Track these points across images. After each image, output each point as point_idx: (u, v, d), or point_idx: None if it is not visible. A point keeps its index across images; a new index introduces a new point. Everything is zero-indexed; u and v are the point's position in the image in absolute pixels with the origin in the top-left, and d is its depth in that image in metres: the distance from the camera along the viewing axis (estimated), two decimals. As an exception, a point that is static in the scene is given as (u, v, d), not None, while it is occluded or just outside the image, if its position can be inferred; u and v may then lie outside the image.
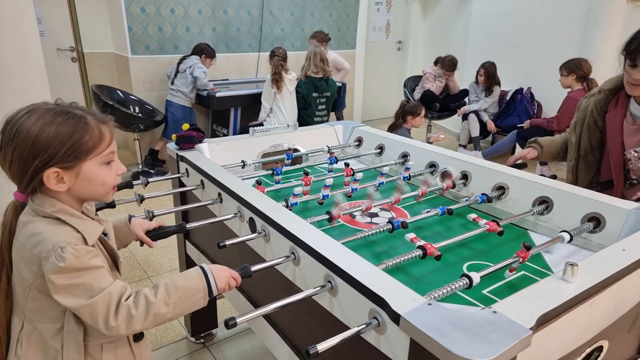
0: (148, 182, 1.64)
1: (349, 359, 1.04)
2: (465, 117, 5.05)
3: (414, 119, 3.32)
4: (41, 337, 0.99)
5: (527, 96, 4.83)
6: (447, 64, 5.07)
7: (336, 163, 1.98)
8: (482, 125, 4.93)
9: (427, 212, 1.45)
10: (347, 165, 1.80)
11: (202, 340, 2.18)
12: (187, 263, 2.03)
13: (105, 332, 0.91)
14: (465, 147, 5.08)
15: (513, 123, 4.71)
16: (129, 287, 0.97)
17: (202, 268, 1.01)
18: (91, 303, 0.89)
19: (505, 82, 5.12)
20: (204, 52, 4.35)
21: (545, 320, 0.84)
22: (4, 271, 0.99)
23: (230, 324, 0.92)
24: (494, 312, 0.83)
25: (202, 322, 2.18)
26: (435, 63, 5.28)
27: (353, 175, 1.72)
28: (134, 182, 1.57)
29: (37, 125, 0.89)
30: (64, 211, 0.94)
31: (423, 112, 3.37)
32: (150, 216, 1.34)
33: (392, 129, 3.41)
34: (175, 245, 3.05)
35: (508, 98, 4.99)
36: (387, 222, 1.33)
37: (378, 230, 1.31)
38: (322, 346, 0.85)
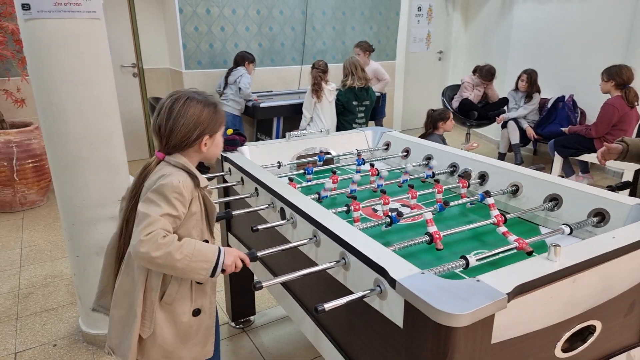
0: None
1: (360, 324, 1.21)
2: (504, 124, 5.05)
3: (445, 124, 3.42)
4: (133, 264, 1.28)
5: (569, 103, 4.76)
6: (485, 74, 5.11)
7: (363, 164, 2.16)
8: (522, 132, 4.91)
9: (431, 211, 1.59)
10: (372, 165, 1.97)
11: (241, 326, 2.40)
12: (229, 254, 2.26)
13: (134, 240, 1.14)
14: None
15: (554, 131, 4.66)
16: (174, 235, 1.18)
17: (219, 248, 1.23)
18: (149, 215, 1.15)
19: (546, 89, 5.08)
20: (246, 59, 4.67)
21: (524, 289, 0.97)
22: (133, 202, 1.29)
23: (257, 286, 1.11)
24: (477, 280, 0.97)
25: (241, 309, 2.40)
26: (474, 72, 5.33)
27: (378, 174, 1.89)
28: None
29: (198, 107, 1.27)
30: (189, 164, 1.28)
31: (451, 116, 3.46)
32: None
33: (424, 137, 3.51)
34: (218, 240, 3.34)
35: (549, 106, 4.94)
36: (386, 217, 1.48)
37: (377, 223, 1.46)
38: (328, 305, 1.02)
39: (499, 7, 6.03)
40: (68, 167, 1.99)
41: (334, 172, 1.82)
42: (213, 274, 1.20)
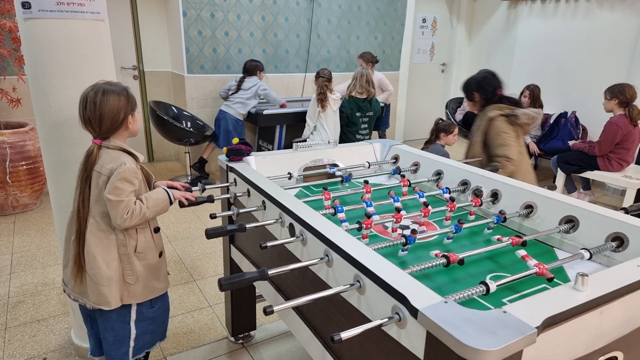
0: (205, 188, 1.86)
1: (374, 351, 1.15)
2: (507, 139, 5.02)
3: (446, 137, 3.46)
4: (99, 225, 1.60)
5: (572, 120, 4.76)
6: None
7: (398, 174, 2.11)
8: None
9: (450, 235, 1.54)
10: (403, 176, 1.99)
11: (241, 341, 2.33)
12: (232, 266, 2.20)
13: (119, 220, 1.54)
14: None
15: (556, 147, 4.65)
16: (136, 200, 1.59)
17: (163, 188, 1.69)
18: (120, 200, 1.53)
19: (549, 105, 5.08)
20: (258, 68, 4.66)
21: (552, 322, 0.92)
22: (87, 184, 1.58)
23: (267, 310, 1.05)
24: (504, 312, 0.92)
25: (241, 323, 2.34)
26: None
27: (410, 185, 1.88)
28: (193, 188, 1.83)
29: (115, 95, 1.56)
30: (123, 145, 1.62)
31: (456, 131, 3.49)
32: (202, 188, 1.86)
33: (427, 144, 3.55)
34: (219, 253, 3.28)
35: (551, 121, 4.93)
36: (402, 236, 1.42)
37: (393, 243, 1.40)
38: (345, 334, 0.97)
39: (504, 21, 6.04)
40: (65, 172, 1.93)
41: (367, 182, 1.82)
42: (171, 202, 1.68)
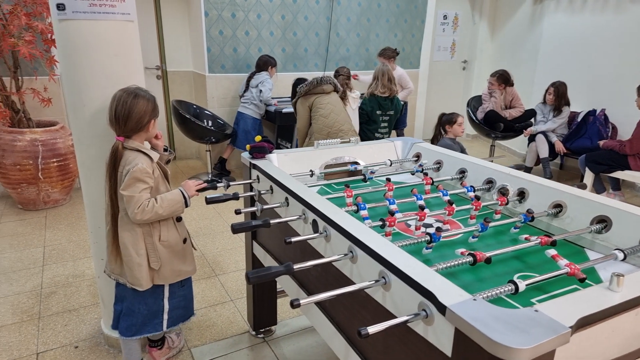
0: (229, 185, 1.88)
1: (398, 348, 1.14)
2: (532, 138, 4.93)
3: (452, 127, 3.36)
4: (127, 219, 1.77)
5: (601, 118, 4.63)
6: (497, 78, 5.00)
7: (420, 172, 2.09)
8: (551, 146, 4.78)
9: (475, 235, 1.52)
10: (425, 174, 1.97)
11: (262, 335, 2.35)
12: (254, 262, 2.21)
13: (131, 215, 1.71)
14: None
15: (584, 145, 4.53)
16: (152, 199, 1.74)
17: (179, 190, 1.82)
18: (132, 196, 1.69)
19: (576, 103, 4.95)
20: (269, 63, 4.68)
21: (586, 322, 0.90)
22: (113, 180, 1.76)
23: (295, 304, 1.05)
24: (536, 310, 0.90)
25: (263, 318, 2.35)
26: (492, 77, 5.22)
27: (432, 183, 1.85)
28: (218, 185, 1.87)
29: (144, 101, 1.74)
30: (140, 146, 1.77)
31: (460, 119, 3.38)
32: (227, 185, 1.90)
33: (433, 142, 3.45)
34: (240, 249, 3.31)
35: (579, 119, 4.81)
36: (426, 234, 1.40)
37: (417, 241, 1.39)
38: (372, 329, 0.96)
39: (529, 17, 5.92)
40: (96, 168, 1.97)
41: (389, 180, 1.82)
42: (187, 205, 1.83)
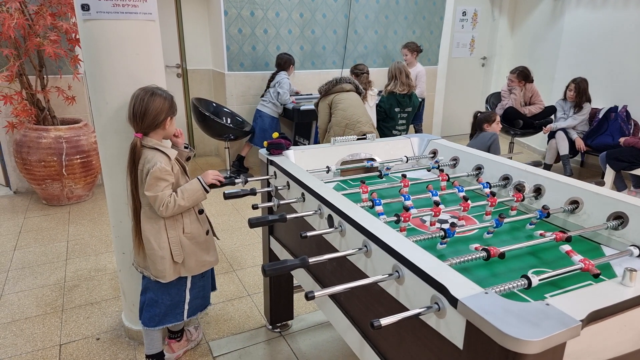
0: (247, 181, 1.93)
1: (411, 340, 1.16)
2: (552, 135, 4.85)
3: (489, 126, 3.39)
4: (149, 214, 1.86)
5: (622, 114, 4.53)
6: (517, 74, 4.94)
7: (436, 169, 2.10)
8: (571, 143, 4.70)
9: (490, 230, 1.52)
10: (441, 170, 1.97)
11: (278, 330, 2.39)
12: (271, 257, 2.25)
13: (158, 212, 1.80)
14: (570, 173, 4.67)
15: (605, 142, 4.44)
16: (172, 193, 1.82)
17: (197, 178, 1.88)
18: (156, 195, 1.77)
19: (598, 99, 4.85)
20: (290, 61, 4.74)
21: (598, 316, 0.91)
22: (134, 176, 1.83)
23: (309, 296, 1.09)
24: (547, 304, 0.91)
25: (279, 313, 2.39)
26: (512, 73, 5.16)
27: (448, 180, 1.86)
28: (236, 181, 1.94)
29: (161, 99, 1.81)
30: (158, 144, 1.84)
31: (497, 118, 3.42)
32: (245, 180, 1.96)
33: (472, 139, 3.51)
34: (257, 244, 3.36)
35: (600, 116, 4.72)
36: (440, 229, 1.42)
37: (432, 236, 1.40)
38: (385, 320, 0.98)
39: (549, 12, 5.82)
40: (118, 164, 2.04)
41: (404, 176, 1.87)
42: (207, 191, 1.88)
